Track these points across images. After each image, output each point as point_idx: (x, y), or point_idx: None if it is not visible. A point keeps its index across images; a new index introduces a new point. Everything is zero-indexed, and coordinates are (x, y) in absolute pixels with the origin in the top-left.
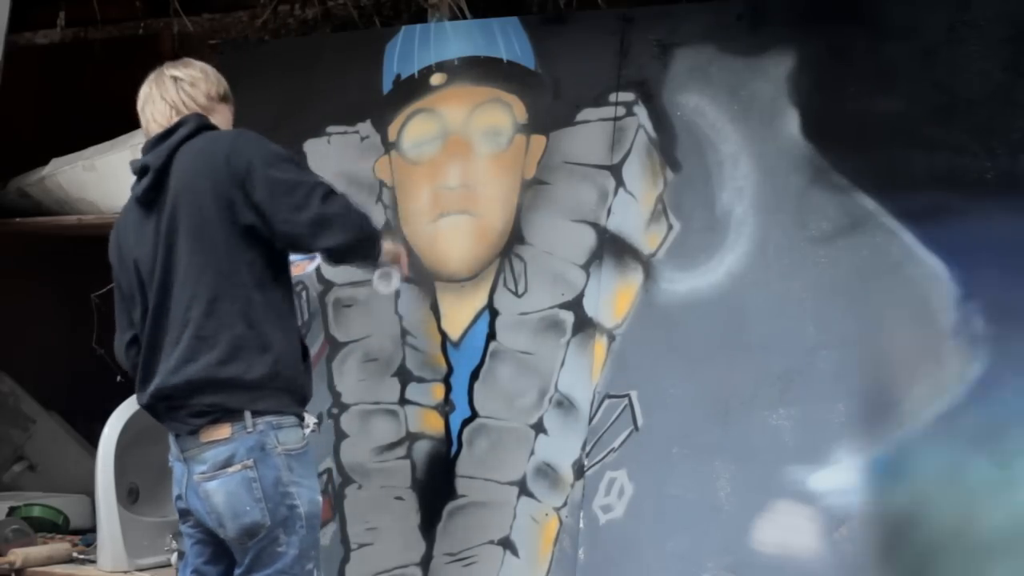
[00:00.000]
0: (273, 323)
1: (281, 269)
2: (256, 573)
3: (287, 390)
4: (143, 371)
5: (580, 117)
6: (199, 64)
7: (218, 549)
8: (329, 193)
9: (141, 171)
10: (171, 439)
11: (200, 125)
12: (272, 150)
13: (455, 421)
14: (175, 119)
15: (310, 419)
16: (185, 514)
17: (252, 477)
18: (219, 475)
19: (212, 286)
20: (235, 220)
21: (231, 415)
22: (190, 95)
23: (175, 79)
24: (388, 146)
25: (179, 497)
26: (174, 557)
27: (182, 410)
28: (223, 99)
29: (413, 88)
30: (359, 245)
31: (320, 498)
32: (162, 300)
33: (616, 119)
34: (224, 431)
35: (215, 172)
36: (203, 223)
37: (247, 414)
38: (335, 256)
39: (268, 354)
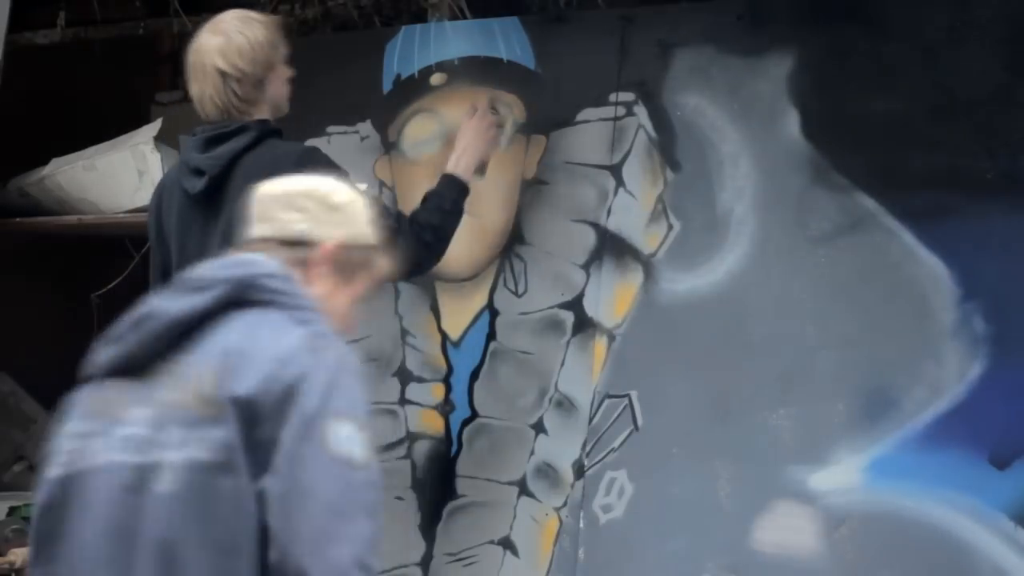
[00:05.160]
0: None
1: None
2: None
3: None
4: None
5: (580, 117)
6: (244, 39)
7: None
8: (391, 235)
9: (195, 171)
10: None
11: (262, 133)
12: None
13: (455, 421)
14: (232, 119)
15: None
16: None
17: None
18: None
19: None
20: None
21: None
22: (238, 94)
23: (222, 74)
24: (388, 146)
25: None
26: None
27: None
28: (271, 68)
29: (413, 88)
30: (440, 254)
31: None
32: None
33: (616, 119)
34: None
35: None
36: None
37: None
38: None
39: None
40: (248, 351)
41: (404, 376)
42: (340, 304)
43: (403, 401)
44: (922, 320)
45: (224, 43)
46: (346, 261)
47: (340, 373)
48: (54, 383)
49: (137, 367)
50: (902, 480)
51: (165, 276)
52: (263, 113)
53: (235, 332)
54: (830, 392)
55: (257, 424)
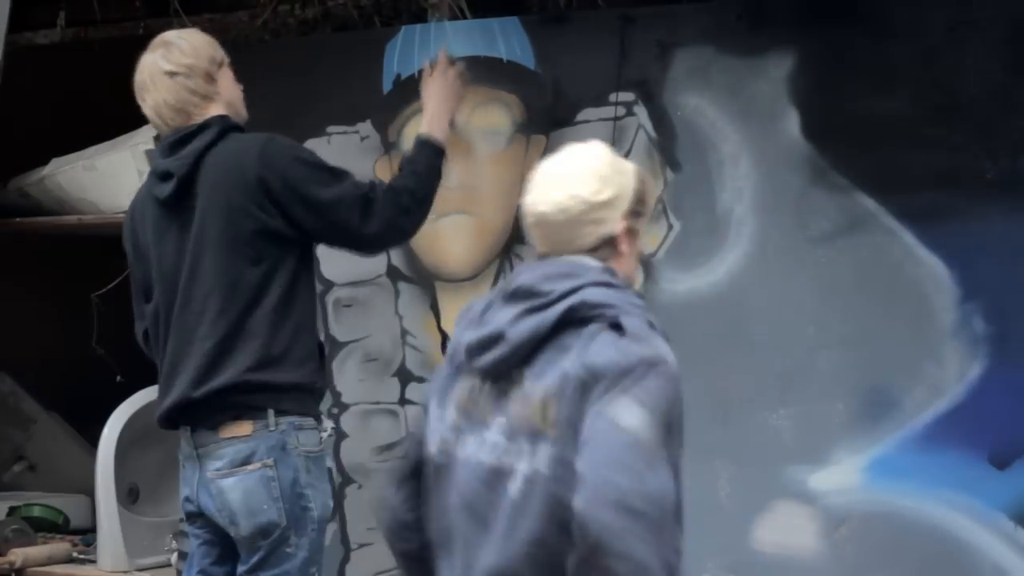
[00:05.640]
0: (297, 328)
1: (308, 271)
2: (263, 573)
3: (309, 391)
4: (163, 383)
5: (580, 117)
6: (183, 41)
7: (225, 550)
8: (367, 204)
9: (163, 176)
10: (185, 434)
11: (224, 128)
12: (302, 162)
13: None
14: (193, 120)
15: (327, 423)
16: (193, 516)
17: (271, 476)
18: (236, 472)
19: (242, 301)
20: (267, 234)
21: (254, 412)
22: (191, 89)
23: (171, 74)
24: (388, 146)
25: (188, 499)
26: (174, 557)
27: (205, 407)
28: (220, 65)
29: (413, 88)
30: (421, 218)
31: (331, 503)
32: (184, 309)
33: (616, 119)
34: (246, 428)
35: (247, 192)
36: (234, 238)
37: (271, 412)
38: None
39: (293, 359)
40: (574, 370)
41: (404, 376)
42: (636, 258)
43: (403, 401)
44: (922, 320)
45: (164, 50)
46: (633, 225)
47: (648, 371)
48: (54, 383)
49: (495, 376)
50: (902, 480)
51: (147, 292)
52: (220, 111)
53: (568, 355)
54: (830, 392)
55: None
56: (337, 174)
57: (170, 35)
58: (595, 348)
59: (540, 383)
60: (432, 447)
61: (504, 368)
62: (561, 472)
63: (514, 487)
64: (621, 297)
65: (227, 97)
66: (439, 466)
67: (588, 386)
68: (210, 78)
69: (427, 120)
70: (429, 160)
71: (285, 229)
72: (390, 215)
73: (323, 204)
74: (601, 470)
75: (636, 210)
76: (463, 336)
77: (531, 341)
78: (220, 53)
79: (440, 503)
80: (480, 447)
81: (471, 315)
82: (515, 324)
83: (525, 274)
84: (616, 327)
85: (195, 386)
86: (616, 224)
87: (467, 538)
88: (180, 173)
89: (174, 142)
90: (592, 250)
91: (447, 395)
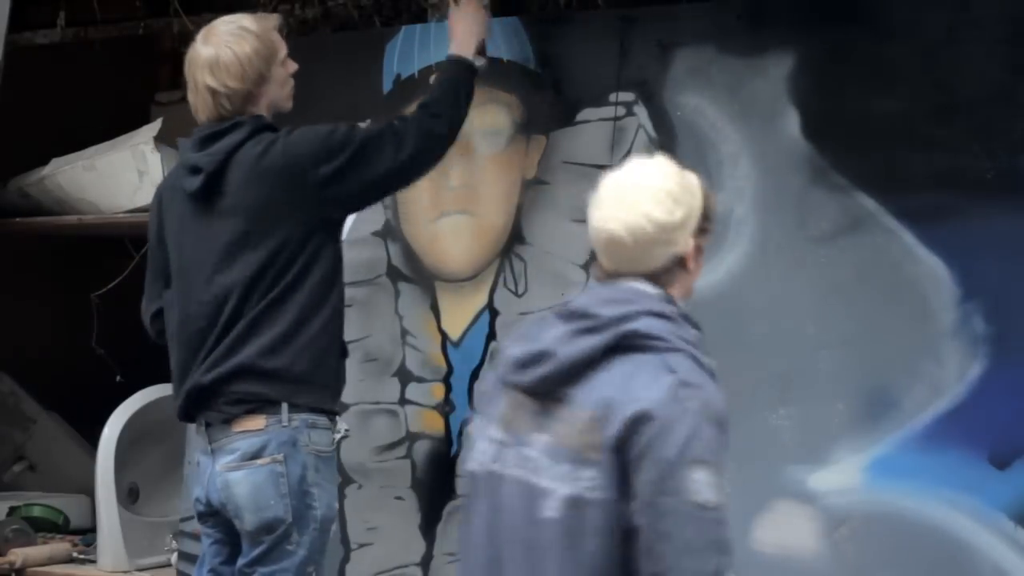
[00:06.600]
0: (320, 321)
1: (338, 271)
2: (262, 567)
3: (326, 386)
4: (180, 369)
5: (580, 117)
6: (235, 54)
7: (236, 550)
8: (395, 133)
9: (192, 170)
10: (198, 432)
11: (256, 127)
12: (323, 135)
13: (455, 421)
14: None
15: (342, 424)
16: (204, 516)
17: (280, 472)
18: (246, 466)
19: (267, 291)
20: (301, 230)
21: (268, 406)
22: (228, 108)
23: (212, 91)
24: None
25: (199, 499)
26: (174, 557)
27: (219, 398)
28: (262, 81)
29: (413, 88)
30: (454, 123)
31: (337, 505)
32: (208, 304)
33: (616, 119)
34: (259, 422)
35: (276, 187)
36: (268, 231)
37: (284, 406)
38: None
39: (312, 350)
40: (620, 402)
41: (404, 376)
42: (698, 272)
43: (403, 401)
44: (922, 320)
45: (213, 59)
46: (700, 243)
47: (701, 420)
48: (54, 383)
49: (539, 393)
50: (902, 480)
51: (166, 278)
52: (257, 113)
53: (614, 381)
54: (830, 392)
55: (627, 469)
56: (356, 127)
57: (224, 37)
58: (642, 382)
59: (585, 406)
60: (474, 462)
61: (549, 386)
62: (607, 496)
63: (552, 508)
64: (673, 331)
65: (267, 102)
66: (479, 479)
67: (636, 423)
68: (249, 97)
69: (454, 45)
70: (456, 72)
71: (320, 218)
72: (421, 127)
73: (354, 159)
74: (682, 559)
75: (703, 227)
76: (510, 349)
77: (580, 362)
78: (270, 65)
79: (478, 518)
80: (520, 463)
81: (520, 330)
82: (566, 343)
83: (582, 297)
84: (666, 363)
85: (206, 372)
86: (686, 244)
87: (505, 556)
88: (209, 169)
89: (205, 137)
90: (662, 271)
91: (491, 408)
